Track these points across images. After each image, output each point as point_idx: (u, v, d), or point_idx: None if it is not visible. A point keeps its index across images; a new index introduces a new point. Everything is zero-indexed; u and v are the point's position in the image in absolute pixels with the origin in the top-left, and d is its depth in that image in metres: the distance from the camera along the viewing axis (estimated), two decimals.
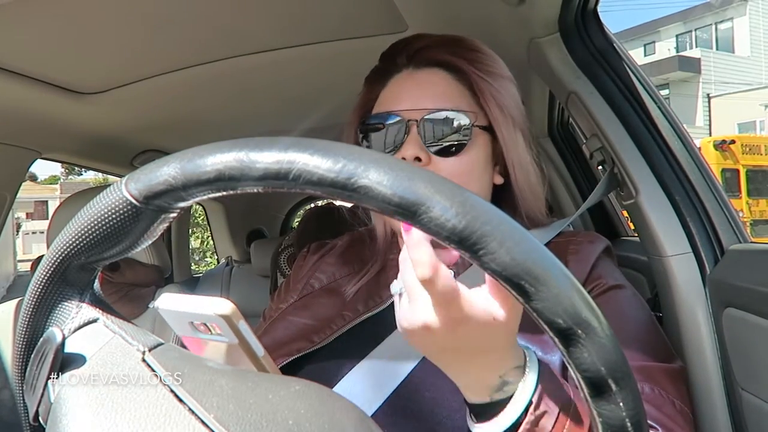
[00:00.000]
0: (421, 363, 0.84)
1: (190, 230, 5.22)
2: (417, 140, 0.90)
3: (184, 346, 0.57)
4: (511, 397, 0.58)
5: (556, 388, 0.60)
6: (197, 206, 4.21)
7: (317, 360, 0.90)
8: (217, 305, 0.51)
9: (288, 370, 0.87)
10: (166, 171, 0.43)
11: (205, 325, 0.53)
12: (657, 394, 0.78)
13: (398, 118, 0.91)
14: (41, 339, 0.46)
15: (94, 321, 0.48)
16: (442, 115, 0.90)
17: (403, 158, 0.88)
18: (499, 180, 0.98)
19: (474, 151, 0.92)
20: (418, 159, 0.89)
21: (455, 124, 0.90)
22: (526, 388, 0.58)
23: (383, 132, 0.93)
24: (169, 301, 0.53)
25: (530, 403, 0.57)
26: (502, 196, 0.99)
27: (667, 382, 0.81)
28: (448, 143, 0.91)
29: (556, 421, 0.57)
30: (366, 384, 0.82)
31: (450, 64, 0.94)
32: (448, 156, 0.91)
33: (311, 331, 0.94)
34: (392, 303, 0.96)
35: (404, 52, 0.97)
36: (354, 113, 1.03)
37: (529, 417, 0.56)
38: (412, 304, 0.56)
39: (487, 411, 0.59)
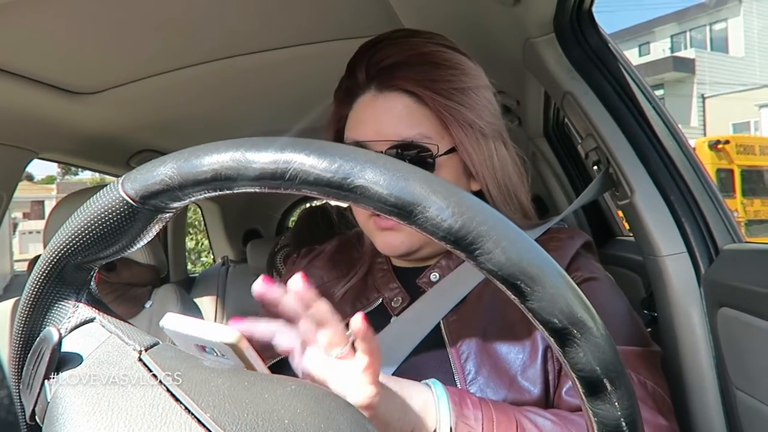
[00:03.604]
0: (403, 364, 0.86)
1: (187, 230, 5.20)
2: None
3: None
4: None
5: (474, 407, 0.70)
6: (193, 206, 4.19)
7: None
8: (224, 333, 0.51)
9: (276, 370, 0.88)
10: (162, 171, 0.43)
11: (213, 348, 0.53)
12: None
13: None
14: (38, 338, 0.46)
15: (91, 320, 0.49)
16: (405, 146, 0.90)
17: None
18: (476, 186, 0.98)
19: (442, 174, 0.91)
20: None
21: (418, 154, 0.90)
22: (443, 421, 0.68)
23: None
24: (175, 322, 0.53)
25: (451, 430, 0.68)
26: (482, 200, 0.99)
27: (638, 365, 0.82)
28: None
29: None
30: None
31: (410, 91, 0.92)
32: None
33: None
34: (379, 305, 0.97)
35: (365, 66, 0.94)
36: (328, 130, 1.03)
37: None
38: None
39: None
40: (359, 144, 0.92)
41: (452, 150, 0.93)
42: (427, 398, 0.70)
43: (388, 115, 0.92)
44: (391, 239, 0.93)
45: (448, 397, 0.70)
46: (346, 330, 0.64)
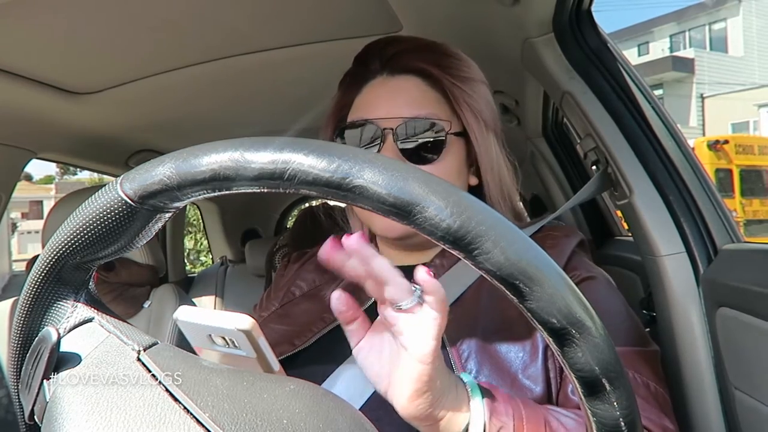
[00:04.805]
0: None
1: (186, 230, 5.20)
2: (393, 148, 0.91)
3: (179, 346, 0.57)
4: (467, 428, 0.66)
5: (505, 402, 0.68)
6: (192, 206, 4.19)
7: (300, 362, 0.91)
8: (238, 320, 0.51)
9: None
10: (161, 171, 0.43)
11: (224, 338, 0.53)
12: (630, 377, 0.79)
13: (374, 126, 0.92)
14: (37, 338, 0.46)
15: (90, 320, 0.48)
16: (418, 123, 0.91)
17: None
18: (474, 181, 1.00)
19: (449, 157, 0.93)
20: None
21: (430, 132, 0.92)
22: (476, 415, 0.66)
23: (359, 139, 0.93)
24: (188, 314, 0.54)
25: (485, 425, 0.65)
26: (479, 197, 0.99)
27: (640, 365, 0.82)
28: (423, 151, 0.92)
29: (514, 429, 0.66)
30: (350, 382, 0.83)
31: (424, 71, 0.95)
32: (424, 163, 0.92)
33: (293, 335, 0.95)
34: (371, 305, 0.97)
35: (378, 57, 0.97)
36: (328, 119, 1.03)
37: None
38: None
39: None
40: (368, 121, 0.93)
41: (461, 134, 0.95)
42: (460, 390, 0.68)
43: (401, 95, 0.94)
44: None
45: (482, 391, 0.68)
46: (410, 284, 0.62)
